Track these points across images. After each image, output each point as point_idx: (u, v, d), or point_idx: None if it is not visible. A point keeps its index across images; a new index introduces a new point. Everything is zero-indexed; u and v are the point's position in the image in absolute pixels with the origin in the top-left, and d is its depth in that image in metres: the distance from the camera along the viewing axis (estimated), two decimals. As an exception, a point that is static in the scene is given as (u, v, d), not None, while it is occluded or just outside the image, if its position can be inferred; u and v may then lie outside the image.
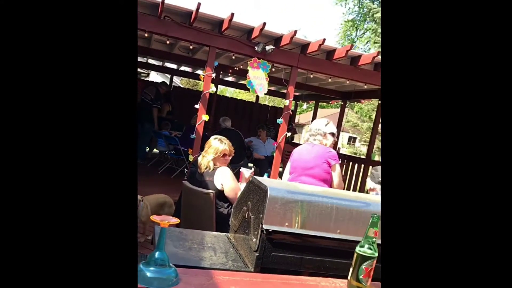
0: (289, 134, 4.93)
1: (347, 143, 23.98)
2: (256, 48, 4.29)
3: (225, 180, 2.67)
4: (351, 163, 7.28)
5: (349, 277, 1.16)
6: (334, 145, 3.10)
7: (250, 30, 4.26)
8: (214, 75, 4.25)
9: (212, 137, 2.89)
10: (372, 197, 1.80)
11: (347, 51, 4.47)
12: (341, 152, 8.75)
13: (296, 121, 12.04)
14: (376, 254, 1.14)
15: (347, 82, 5.70)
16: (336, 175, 2.84)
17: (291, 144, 6.92)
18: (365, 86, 5.71)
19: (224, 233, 1.78)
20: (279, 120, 4.62)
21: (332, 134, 2.96)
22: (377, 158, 8.45)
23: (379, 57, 4.76)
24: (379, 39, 15.07)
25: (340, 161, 3.03)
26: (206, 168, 2.74)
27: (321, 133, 2.93)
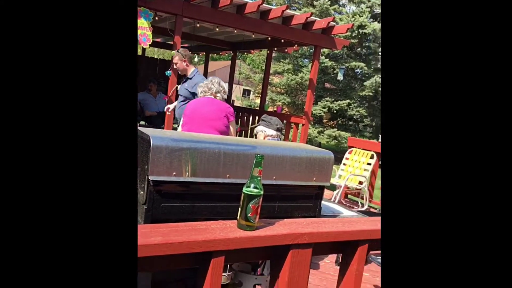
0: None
1: (242, 96, 24.36)
2: (136, -5, 3.97)
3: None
4: (246, 114, 7.43)
5: (238, 217, 1.19)
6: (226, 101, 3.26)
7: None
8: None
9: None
10: (258, 141, 1.85)
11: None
12: (235, 104, 8.86)
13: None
14: (262, 192, 1.18)
15: (235, 31, 5.66)
16: (233, 130, 3.05)
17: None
18: (253, 36, 5.74)
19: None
20: (168, 72, 4.44)
21: (224, 92, 3.14)
22: (270, 109, 8.75)
23: (265, 5, 4.77)
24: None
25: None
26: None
27: (218, 90, 3.06)
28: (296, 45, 6.62)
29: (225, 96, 3.15)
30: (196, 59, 11.14)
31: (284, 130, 6.40)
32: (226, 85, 3.21)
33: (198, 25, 5.50)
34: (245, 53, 11.71)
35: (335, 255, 3.37)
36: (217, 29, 5.86)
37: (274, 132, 2.88)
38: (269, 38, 6.23)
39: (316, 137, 11.49)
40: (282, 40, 5.66)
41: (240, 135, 6.99)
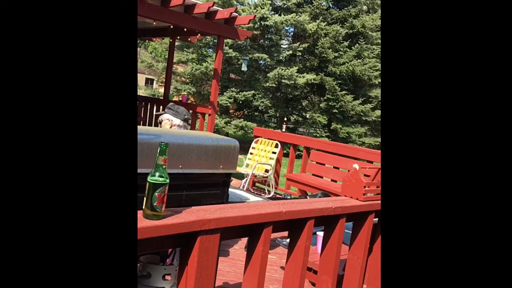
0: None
1: (145, 85, 23.46)
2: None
3: None
4: (149, 104, 7.18)
5: (143, 207, 1.16)
6: None
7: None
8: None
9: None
10: (163, 130, 1.81)
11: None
12: (138, 94, 8.51)
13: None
14: (168, 181, 1.17)
15: (136, 18, 5.40)
16: None
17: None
18: (154, 23, 5.55)
19: None
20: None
21: None
22: (175, 98, 8.57)
23: (166, -8, 4.64)
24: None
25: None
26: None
27: None
28: (199, 35, 6.56)
29: None
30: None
31: (190, 120, 6.34)
32: None
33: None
34: (147, 41, 11.27)
35: (244, 242, 3.47)
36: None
37: (181, 122, 2.83)
38: (171, 26, 6.09)
39: (224, 127, 11.59)
40: (185, 29, 5.56)
41: (144, 124, 6.75)
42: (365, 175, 1.82)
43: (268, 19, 11.50)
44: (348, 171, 1.65)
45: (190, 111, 6.42)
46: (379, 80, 14.33)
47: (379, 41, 14.65)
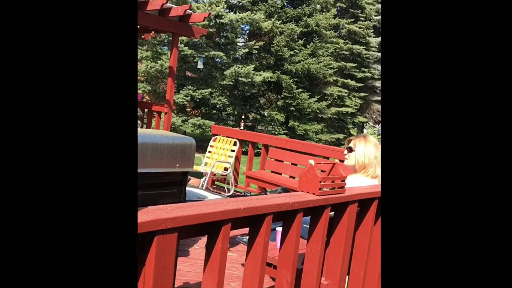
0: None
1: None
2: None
3: None
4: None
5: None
6: None
7: None
8: None
9: None
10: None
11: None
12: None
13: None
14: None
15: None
16: None
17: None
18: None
19: None
20: None
21: None
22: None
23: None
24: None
25: None
26: None
27: None
28: (153, 32, 6.43)
29: None
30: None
31: (146, 119, 6.20)
32: None
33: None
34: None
35: (205, 241, 3.44)
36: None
37: None
38: (125, 24, 5.90)
39: (181, 126, 11.42)
40: (138, 26, 5.42)
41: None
42: (321, 170, 1.86)
43: (223, 17, 11.46)
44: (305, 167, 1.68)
45: (146, 110, 6.28)
46: (334, 78, 14.70)
47: (333, 39, 15.02)
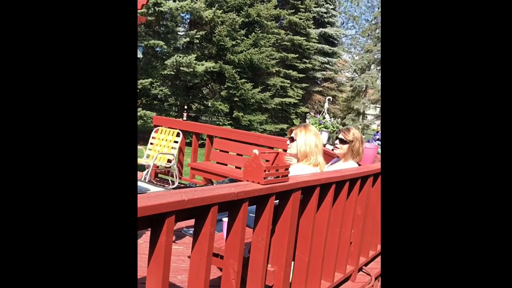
0: None
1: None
2: None
3: None
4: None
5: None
6: None
7: None
8: None
9: None
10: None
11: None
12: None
13: None
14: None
15: None
16: None
17: None
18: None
19: None
20: None
21: None
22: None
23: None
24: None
25: None
26: None
27: None
28: (88, 19, 6.09)
29: None
30: None
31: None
32: None
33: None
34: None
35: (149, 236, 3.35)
36: None
37: None
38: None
39: (120, 118, 11.00)
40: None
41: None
42: (266, 160, 1.88)
43: (162, 5, 11.13)
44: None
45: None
46: (276, 69, 14.88)
47: (275, 30, 15.16)
